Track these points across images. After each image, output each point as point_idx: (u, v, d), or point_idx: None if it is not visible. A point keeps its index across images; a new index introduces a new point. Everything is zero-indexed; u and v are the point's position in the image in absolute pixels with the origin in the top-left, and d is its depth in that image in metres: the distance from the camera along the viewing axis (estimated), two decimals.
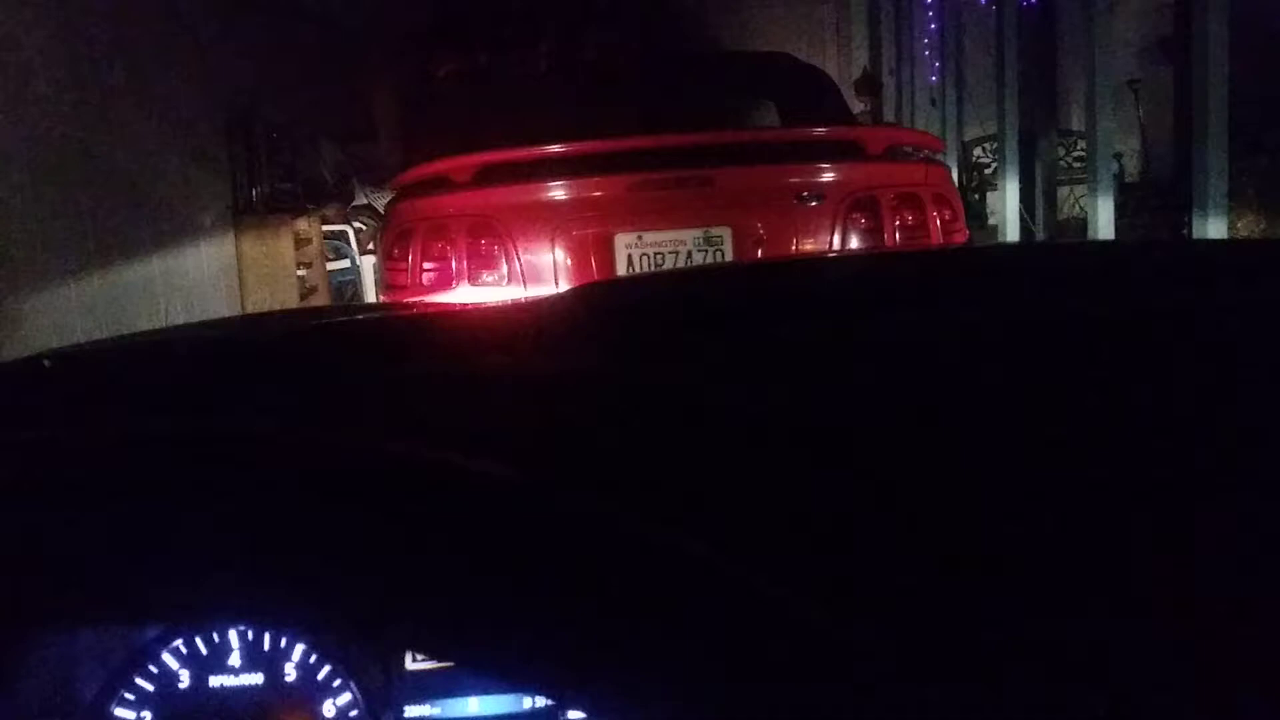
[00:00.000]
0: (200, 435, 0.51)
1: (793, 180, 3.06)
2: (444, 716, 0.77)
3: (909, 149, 3.41)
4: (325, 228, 5.95)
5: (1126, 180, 7.60)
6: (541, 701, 0.77)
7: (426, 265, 3.07)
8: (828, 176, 3.08)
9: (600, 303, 0.76)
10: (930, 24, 8.89)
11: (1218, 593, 0.41)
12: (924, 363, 0.59)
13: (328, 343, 0.76)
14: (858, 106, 7.42)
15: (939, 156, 3.68)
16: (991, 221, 7.74)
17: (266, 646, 0.76)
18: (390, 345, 0.72)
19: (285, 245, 5.27)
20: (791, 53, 4.86)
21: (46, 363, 0.68)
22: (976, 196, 8.37)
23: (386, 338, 0.76)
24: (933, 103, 8.96)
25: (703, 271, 1.98)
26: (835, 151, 3.16)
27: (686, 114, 3.74)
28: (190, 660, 0.75)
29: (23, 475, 0.48)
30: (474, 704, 0.77)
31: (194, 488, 0.45)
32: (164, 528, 0.43)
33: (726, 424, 0.53)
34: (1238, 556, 0.43)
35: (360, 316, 1.22)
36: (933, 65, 8.92)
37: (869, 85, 8.77)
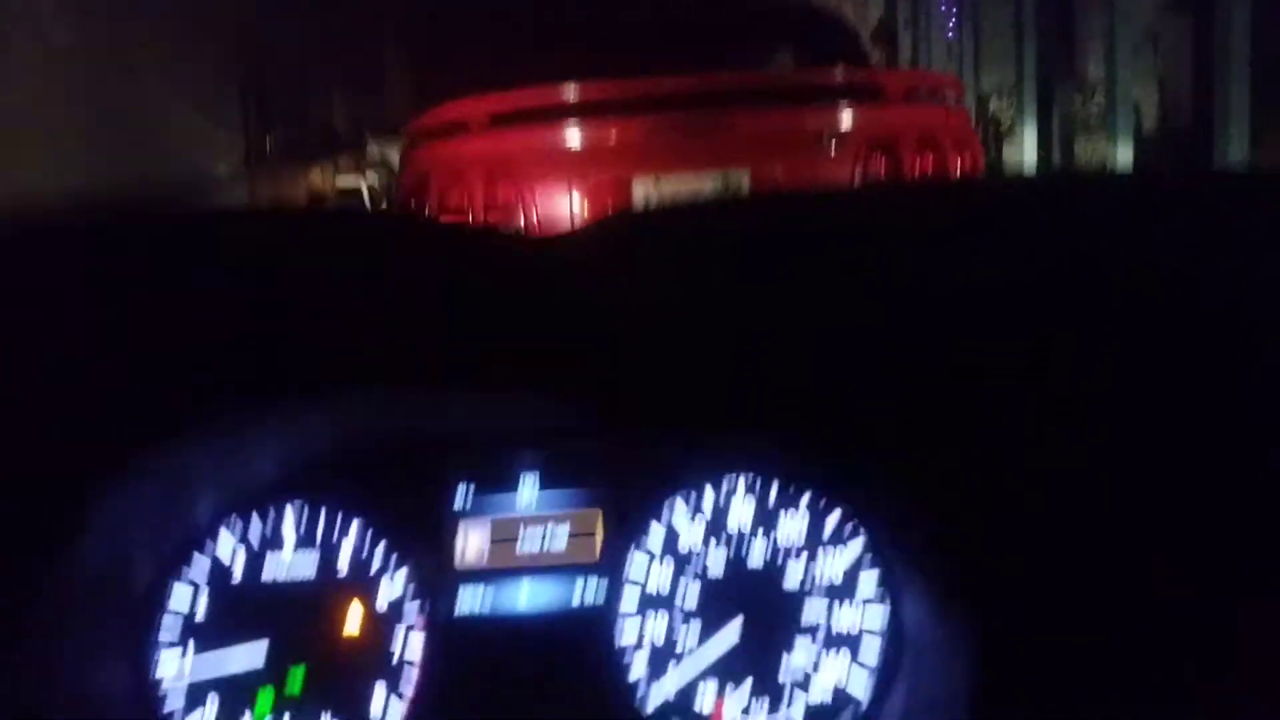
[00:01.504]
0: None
1: (812, 123, 3.03)
2: (494, 614, 0.77)
3: (929, 92, 3.37)
4: (338, 179, 5.93)
5: (1144, 132, 7.51)
6: (591, 598, 0.76)
7: (443, 211, 3.05)
8: (847, 120, 3.05)
9: (620, 233, 0.75)
10: None
11: (1224, 561, 0.41)
12: (937, 298, 0.58)
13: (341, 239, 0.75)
14: (874, 59, 7.34)
15: (959, 101, 3.64)
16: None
17: (321, 525, 0.76)
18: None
19: (298, 197, 5.25)
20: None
21: None
22: (993, 148, 8.30)
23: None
24: (949, 55, 8.87)
25: (719, 203, 1.97)
26: (855, 94, 3.12)
27: (704, 57, 3.70)
28: (244, 544, 0.75)
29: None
30: (524, 598, 0.77)
31: None
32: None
33: (731, 347, 0.53)
34: (1245, 539, 0.42)
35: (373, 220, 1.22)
36: (949, 18, 8.81)
37: (885, 34, 8.68)
